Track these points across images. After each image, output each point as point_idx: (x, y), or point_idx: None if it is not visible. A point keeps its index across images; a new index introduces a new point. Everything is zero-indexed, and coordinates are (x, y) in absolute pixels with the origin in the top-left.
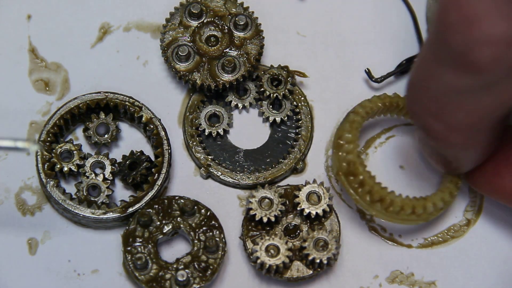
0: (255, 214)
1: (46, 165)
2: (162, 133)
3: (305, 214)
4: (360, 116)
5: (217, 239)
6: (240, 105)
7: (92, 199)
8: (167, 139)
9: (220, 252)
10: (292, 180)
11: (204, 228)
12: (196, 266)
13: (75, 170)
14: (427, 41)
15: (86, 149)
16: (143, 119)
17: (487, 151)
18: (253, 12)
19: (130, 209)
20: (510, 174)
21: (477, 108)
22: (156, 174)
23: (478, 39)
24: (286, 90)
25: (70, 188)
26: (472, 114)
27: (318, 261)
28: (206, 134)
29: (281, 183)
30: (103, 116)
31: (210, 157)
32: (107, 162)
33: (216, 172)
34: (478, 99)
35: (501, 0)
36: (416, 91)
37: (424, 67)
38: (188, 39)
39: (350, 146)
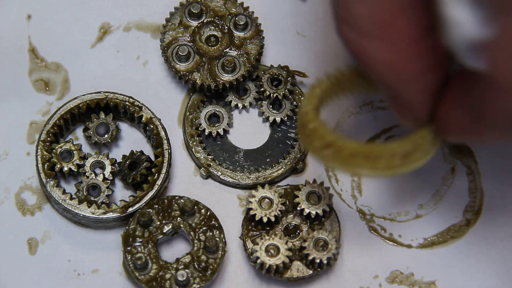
0: (255, 214)
1: (46, 165)
2: (162, 133)
3: (305, 214)
4: (317, 88)
5: (217, 239)
6: (240, 105)
7: (92, 199)
8: (167, 139)
9: (220, 252)
10: (292, 180)
11: (204, 228)
12: (196, 266)
13: (75, 170)
14: None
15: (86, 149)
16: (143, 119)
17: (427, 79)
18: (253, 12)
19: (130, 209)
20: (458, 107)
21: None
22: (156, 174)
23: None
24: (286, 90)
25: (70, 188)
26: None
27: (318, 261)
28: (206, 134)
29: (281, 183)
30: (103, 116)
31: (210, 157)
32: (107, 162)
33: (216, 172)
34: None
35: None
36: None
37: None
38: (188, 39)
39: (305, 109)
